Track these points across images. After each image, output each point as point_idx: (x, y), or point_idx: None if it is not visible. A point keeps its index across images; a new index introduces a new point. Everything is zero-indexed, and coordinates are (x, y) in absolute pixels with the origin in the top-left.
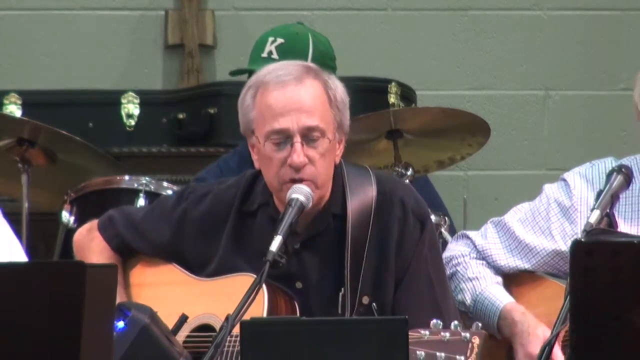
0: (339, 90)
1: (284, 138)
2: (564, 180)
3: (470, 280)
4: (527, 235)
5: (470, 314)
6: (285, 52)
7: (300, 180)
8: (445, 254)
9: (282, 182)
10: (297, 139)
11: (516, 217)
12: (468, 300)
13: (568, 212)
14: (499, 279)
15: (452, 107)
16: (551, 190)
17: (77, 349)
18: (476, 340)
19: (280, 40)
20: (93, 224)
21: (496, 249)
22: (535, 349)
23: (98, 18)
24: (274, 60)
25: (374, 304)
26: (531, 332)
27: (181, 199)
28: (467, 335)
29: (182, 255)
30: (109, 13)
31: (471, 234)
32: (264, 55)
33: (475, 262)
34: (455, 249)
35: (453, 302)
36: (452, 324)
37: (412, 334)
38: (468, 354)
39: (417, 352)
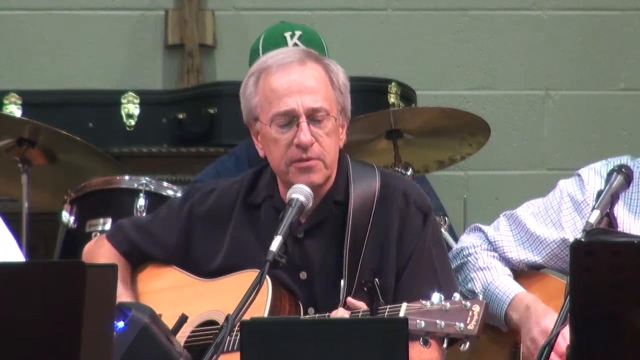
0: (341, 74)
1: (289, 119)
2: (579, 175)
3: (481, 270)
4: (538, 227)
5: None
6: (309, 42)
7: (308, 160)
8: (457, 246)
9: (289, 164)
10: (303, 119)
11: (529, 210)
12: (478, 288)
13: (580, 206)
14: (510, 272)
15: (452, 107)
16: (565, 184)
17: (77, 349)
18: (476, 308)
19: (298, 33)
20: (102, 235)
21: (507, 241)
22: (550, 324)
23: (98, 18)
24: None
25: (377, 279)
26: (542, 314)
27: (187, 198)
28: (468, 304)
29: (191, 254)
30: (109, 13)
31: (484, 226)
32: None
33: (487, 253)
34: (466, 241)
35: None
36: (453, 295)
37: (413, 305)
38: (468, 321)
39: (417, 321)
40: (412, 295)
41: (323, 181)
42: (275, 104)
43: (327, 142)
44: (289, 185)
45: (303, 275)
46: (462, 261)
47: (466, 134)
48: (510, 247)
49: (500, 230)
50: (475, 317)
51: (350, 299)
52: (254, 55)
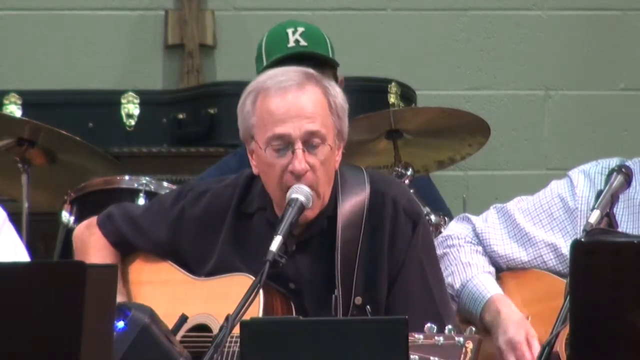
0: (339, 97)
1: (285, 144)
2: (569, 178)
3: (462, 265)
4: (527, 224)
5: (456, 298)
6: (311, 38)
7: None
8: (444, 233)
9: (284, 190)
10: (299, 145)
11: (519, 205)
12: (457, 284)
13: (570, 211)
14: (492, 269)
15: (452, 107)
16: (557, 185)
17: (77, 349)
18: (470, 345)
19: (301, 29)
20: (92, 220)
21: (495, 233)
22: (517, 335)
23: (98, 18)
24: (303, 47)
25: (368, 306)
26: (510, 324)
27: (179, 197)
28: (461, 339)
29: (179, 254)
30: (109, 13)
31: (472, 217)
32: (291, 44)
33: (470, 247)
34: (453, 230)
35: (450, 302)
36: (447, 328)
37: None
38: (461, 359)
39: (412, 356)
40: (403, 306)
41: (316, 214)
42: (271, 128)
43: (320, 171)
44: (282, 206)
45: (292, 285)
46: (444, 250)
47: (466, 134)
48: (497, 240)
49: (488, 222)
50: (469, 354)
51: None
52: (258, 52)
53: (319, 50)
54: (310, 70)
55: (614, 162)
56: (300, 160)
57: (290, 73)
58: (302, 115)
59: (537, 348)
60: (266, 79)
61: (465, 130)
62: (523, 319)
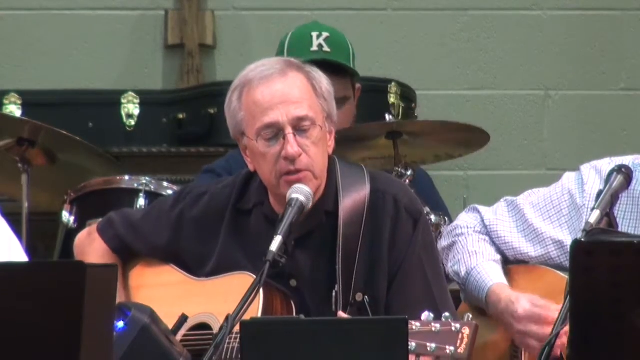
0: (323, 81)
1: (275, 132)
2: (581, 173)
3: (469, 253)
4: (537, 220)
5: (462, 286)
6: (334, 44)
7: (297, 172)
8: (453, 223)
9: (279, 177)
10: (289, 131)
11: (530, 199)
12: (463, 272)
13: (578, 208)
14: (498, 257)
15: (451, 107)
16: (569, 180)
17: (77, 349)
18: (466, 331)
19: (325, 34)
20: (92, 227)
21: (503, 226)
22: (523, 309)
23: (98, 18)
24: (326, 53)
25: (366, 297)
26: (514, 300)
27: (178, 200)
28: (458, 326)
29: (180, 256)
30: (109, 13)
31: (482, 208)
32: (314, 49)
33: (478, 236)
34: (462, 220)
35: (450, 300)
36: (443, 315)
37: None
38: (458, 344)
39: (409, 343)
40: (403, 304)
41: (313, 192)
42: (259, 118)
43: (314, 151)
44: (279, 197)
45: (293, 282)
46: (453, 240)
47: (465, 147)
48: (505, 232)
49: (498, 215)
50: (465, 340)
51: (341, 313)
52: (280, 48)
53: (341, 59)
54: (291, 59)
55: (628, 159)
56: (292, 144)
57: (271, 62)
58: (289, 101)
59: (543, 302)
60: (247, 72)
61: (465, 141)
62: (516, 295)
